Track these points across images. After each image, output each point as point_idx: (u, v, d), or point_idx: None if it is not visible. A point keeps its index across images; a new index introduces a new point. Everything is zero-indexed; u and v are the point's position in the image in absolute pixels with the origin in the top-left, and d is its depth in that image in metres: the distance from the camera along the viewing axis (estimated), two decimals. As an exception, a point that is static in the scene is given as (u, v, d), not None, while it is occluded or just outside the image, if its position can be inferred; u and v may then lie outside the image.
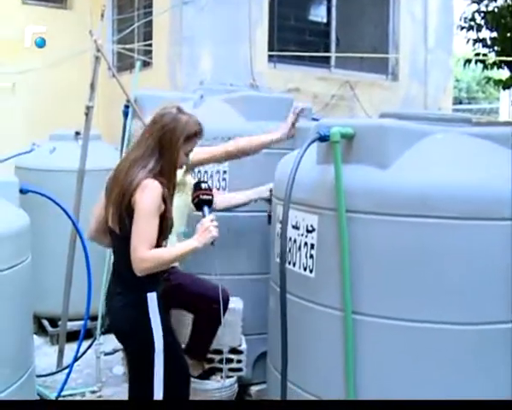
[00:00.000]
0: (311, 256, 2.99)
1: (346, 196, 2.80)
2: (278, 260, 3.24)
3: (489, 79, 9.44)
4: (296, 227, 3.07)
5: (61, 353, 5.36)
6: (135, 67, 7.99)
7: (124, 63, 8.10)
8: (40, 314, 5.92)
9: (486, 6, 8.94)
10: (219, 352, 4.14)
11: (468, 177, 2.78)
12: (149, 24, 7.41)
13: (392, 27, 8.32)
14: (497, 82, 9.30)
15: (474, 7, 9.10)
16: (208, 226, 3.07)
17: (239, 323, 4.17)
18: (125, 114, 4.86)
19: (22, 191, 3.77)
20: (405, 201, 2.73)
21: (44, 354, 5.61)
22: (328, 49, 7.76)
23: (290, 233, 3.12)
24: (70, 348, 5.34)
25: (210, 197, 3.26)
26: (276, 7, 7.28)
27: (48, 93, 8.39)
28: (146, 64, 7.21)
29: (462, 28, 9.20)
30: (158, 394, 3.09)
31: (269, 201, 3.77)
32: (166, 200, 3.02)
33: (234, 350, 4.18)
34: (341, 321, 2.84)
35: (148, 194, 2.93)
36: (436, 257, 2.73)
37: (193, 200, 3.28)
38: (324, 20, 8.03)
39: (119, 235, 3.04)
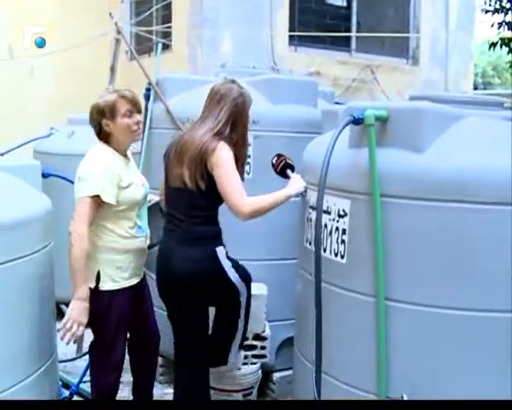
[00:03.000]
0: (343, 241, 2.93)
1: (379, 181, 2.74)
2: (309, 245, 3.19)
3: (512, 63, 9.29)
4: (327, 212, 3.01)
5: (80, 338, 5.32)
6: (153, 50, 7.97)
7: (142, 47, 8.02)
8: (58, 299, 5.82)
9: None
10: (243, 338, 4.10)
11: (505, 161, 2.69)
12: (167, 7, 7.33)
13: (412, 10, 8.20)
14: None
15: None
16: (299, 178, 3.37)
17: (263, 309, 4.13)
18: (147, 98, 4.79)
19: (44, 175, 3.74)
20: (441, 185, 2.66)
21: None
22: (348, 32, 7.65)
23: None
24: (89, 334, 5.31)
25: (292, 162, 3.53)
26: (297, -9, 7.20)
27: (66, 76, 8.36)
28: (165, 47, 7.11)
29: (487, 12, 9.02)
30: (240, 331, 3.65)
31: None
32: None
33: (257, 336, 4.14)
34: (373, 308, 2.79)
35: (225, 153, 3.24)
36: (472, 243, 2.66)
37: (276, 167, 3.54)
38: (345, 4, 7.92)
39: (202, 192, 3.28)
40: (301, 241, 3.40)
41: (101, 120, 3.35)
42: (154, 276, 3.81)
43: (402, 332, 2.77)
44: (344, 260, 2.93)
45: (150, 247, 3.60)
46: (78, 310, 3.20)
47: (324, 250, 3.03)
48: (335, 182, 2.93)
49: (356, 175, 2.87)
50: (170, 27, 7.20)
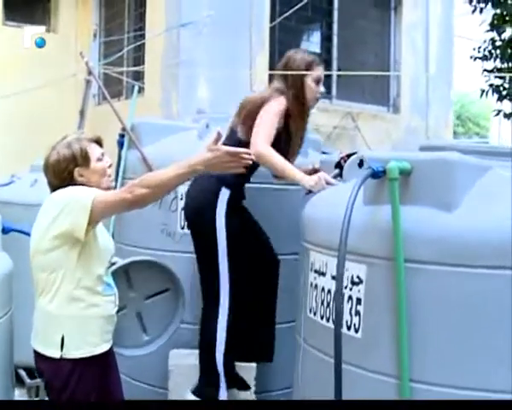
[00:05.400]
0: (358, 313, 2.53)
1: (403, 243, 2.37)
2: (313, 316, 2.79)
3: (499, 111, 9.13)
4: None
5: (41, 408, 4.81)
6: (123, 94, 7.61)
7: (111, 90, 7.61)
8: (16, 364, 5.31)
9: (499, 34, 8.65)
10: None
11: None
12: (139, 48, 6.99)
13: (393, 57, 8.05)
14: (509, 115, 9.01)
15: (490, 35, 8.82)
16: (324, 180, 3.26)
17: (252, 382, 3.73)
18: (120, 144, 4.38)
19: (4, 231, 3.33)
20: (477, 249, 2.28)
21: None
22: (329, 79, 7.41)
23: (328, 285, 2.68)
24: (50, 403, 4.81)
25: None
26: (277, 33, 6.94)
27: (25, 121, 7.86)
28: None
29: (476, 59, 8.92)
30: (224, 286, 3.61)
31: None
32: (289, 118, 3.65)
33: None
34: (396, 390, 2.38)
35: (275, 103, 3.59)
36: (513, 316, 2.29)
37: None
38: (325, 49, 7.72)
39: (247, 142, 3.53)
40: (301, 308, 2.99)
41: (74, 170, 2.95)
42: (122, 352, 3.34)
43: (430, 420, 2.37)
44: (359, 335, 2.52)
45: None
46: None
47: (334, 322, 2.63)
48: (348, 244, 2.54)
49: (373, 236, 2.49)
50: (142, 69, 6.83)
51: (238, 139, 3.66)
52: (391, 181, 2.37)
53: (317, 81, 3.76)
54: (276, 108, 3.58)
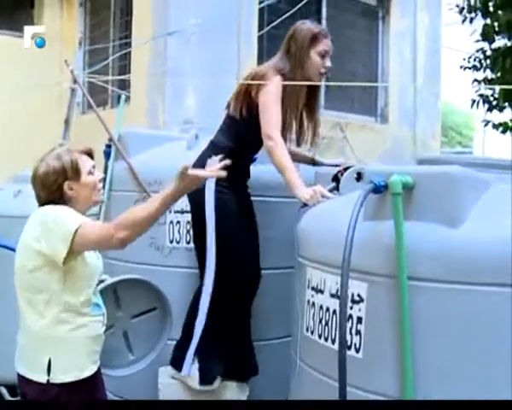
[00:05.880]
0: (358, 332, 2.44)
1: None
2: (311, 335, 2.69)
3: (488, 122, 9.11)
4: (337, 296, 2.51)
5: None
6: (109, 103, 7.48)
7: (96, 99, 7.47)
8: (-1, 380, 5.20)
9: (490, 44, 8.63)
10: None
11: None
12: (125, 57, 6.86)
13: (381, 68, 8.01)
14: (498, 125, 8.99)
15: (480, 45, 8.79)
16: (321, 194, 3.07)
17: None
18: (107, 155, 4.26)
19: (-12, 245, 3.21)
20: (486, 266, 2.19)
21: (3, 428, 4.89)
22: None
23: (327, 303, 2.58)
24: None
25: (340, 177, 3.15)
26: (266, 42, 6.85)
27: (11, 128, 7.69)
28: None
29: (466, 68, 8.90)
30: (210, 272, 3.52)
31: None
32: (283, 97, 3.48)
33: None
34: (399, 414, 2.30)
35: (269, 86, 3.43)
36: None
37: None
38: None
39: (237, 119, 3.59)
40: (297, 325, 2.88)
41: (63, 183, 2.81)
42: (108, 372, 3.20)
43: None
44: (359, 355, 2.43)
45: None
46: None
47: (333, 342, 2.54)
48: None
49: (375, 253, 2.40)
50: (128, 78, 6.70)
51: (229, 116, 3.69)
52: (394, 196, 2.28)
53: (323, 55, 3.61)
54: (274, 88, 3.44)
